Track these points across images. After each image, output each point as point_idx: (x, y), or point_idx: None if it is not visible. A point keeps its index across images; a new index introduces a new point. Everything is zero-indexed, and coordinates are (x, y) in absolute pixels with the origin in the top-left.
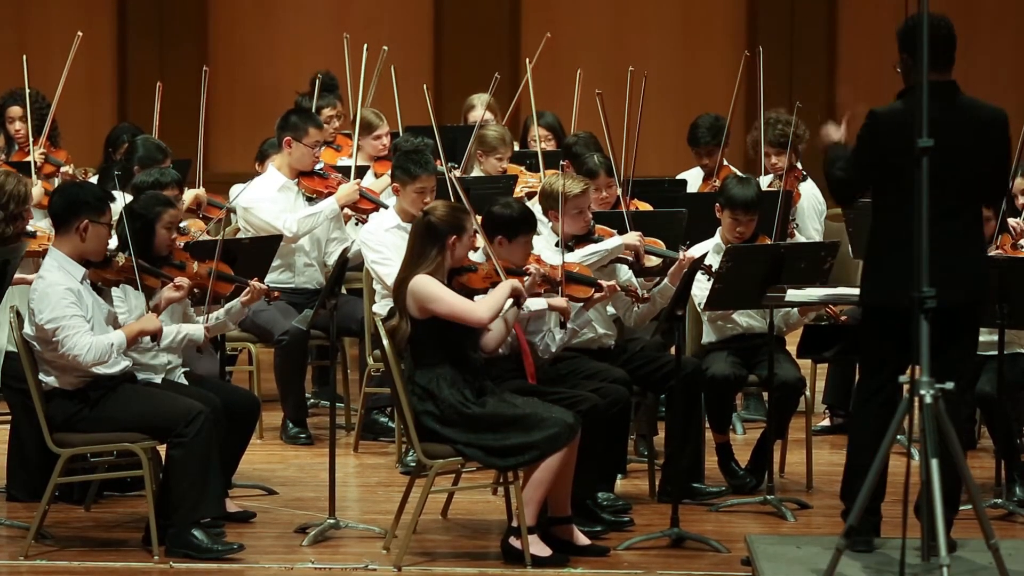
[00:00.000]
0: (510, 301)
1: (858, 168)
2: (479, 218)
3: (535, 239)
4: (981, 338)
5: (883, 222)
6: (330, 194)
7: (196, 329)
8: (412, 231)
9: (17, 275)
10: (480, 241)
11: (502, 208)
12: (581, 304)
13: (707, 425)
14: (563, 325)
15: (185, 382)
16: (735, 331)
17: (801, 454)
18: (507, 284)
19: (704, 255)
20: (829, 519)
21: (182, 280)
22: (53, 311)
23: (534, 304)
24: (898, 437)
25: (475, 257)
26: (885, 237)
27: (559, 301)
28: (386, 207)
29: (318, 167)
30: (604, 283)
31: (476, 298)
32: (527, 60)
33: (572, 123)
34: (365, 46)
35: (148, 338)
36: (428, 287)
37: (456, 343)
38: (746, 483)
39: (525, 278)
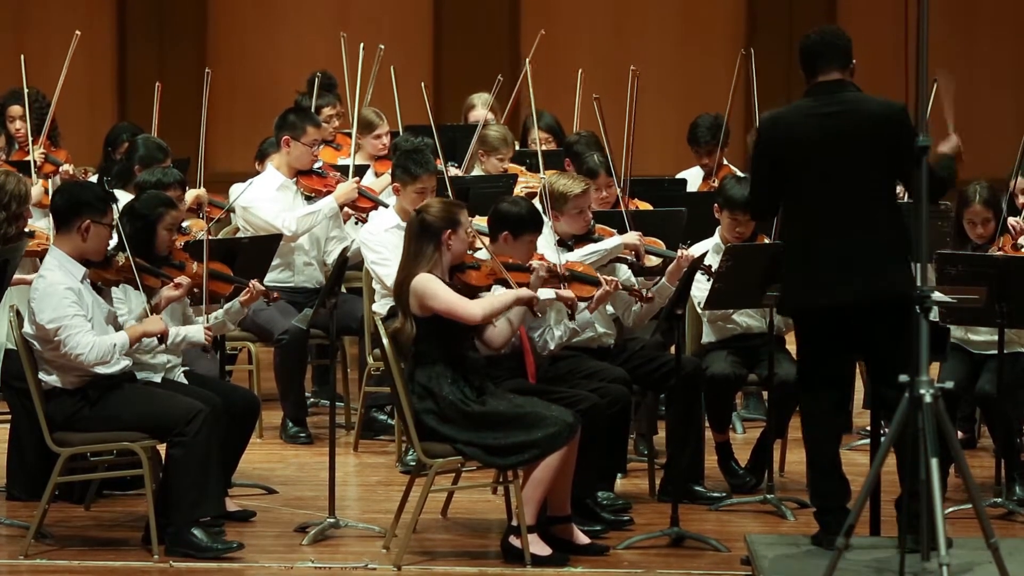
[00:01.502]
0: (520, 309)
1: (753, 183)
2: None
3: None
4: (980, 338)
5: (788, 225)
6: (328, 193)
7: (196, 330)
8: (407, 231)
9: (17, 275)
10: (480, 241)
11: (510, 205)
12: (586, 304)
13: (707, 424)
14: (571, 317)
15: (185, 381)
16: (735, 331)
17: (801, 453)
18: (515, 292)
19: (703, 255)
20: None
21: (182, 278)
22: (55, 311)
23: (542, 294)
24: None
25: (480, 255)
26: (792, 240)
27: (566, 292)
28: (386, 206)
29: (316, 166)
30: (606, 278)
31: (482, 294)
32: (525, 60)
33: (575, 123)
34: (362, 45)
35: (156, 339)
36: (428, 284)
37: (457, 342)
38: (746, 482)
39: (531, 274)
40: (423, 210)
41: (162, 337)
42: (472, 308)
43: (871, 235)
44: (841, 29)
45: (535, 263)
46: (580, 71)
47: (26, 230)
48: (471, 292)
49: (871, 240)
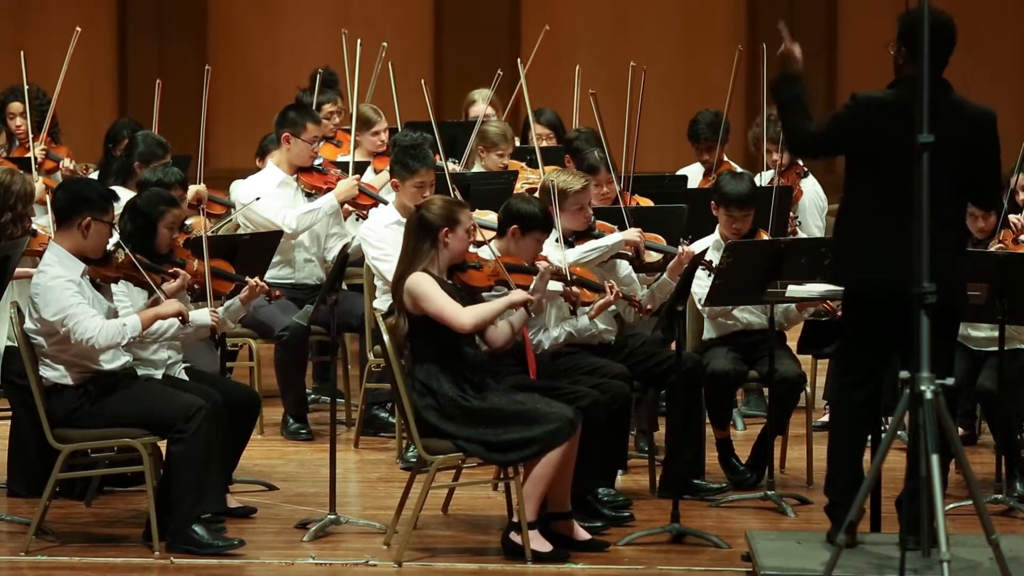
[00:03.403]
0: (520, 313)
1: (827, 144)
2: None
3: None
4: (981, 334)
5: (856, 210)
6: (329, 190)
7: (203, 315)
8: (406, 226)
9: (20, 269)
10: (482, 236)
11: (523, 202)
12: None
13: (707, 421)
14: (573, 313)
15: (186, 378)
16: (735, 327)
17: (801, 450)
18: (508, 297)
19: (704, 251)
20: None
21: (178, 269)
22: (58, 303)
23: (551, 286)
24: (898, 432)
25: (482, 255)
26: (857, 225)
27: (570, 288)
28: (385, 203)
29: (317, 162)
30: (609, 286)
31: (484, 295)
32: (519, 60)
33: (574, 119)
34: (359, 41)
35: (178, 321)
36: (421, 285)
37: (453, 339)
38: (746, 479)
39: (533, 276)
40: (423, 206)
41: (183, 320)
42: (462, 317)
43: (946, 237)
44: (950, 18)
45: (540, 264)
46: (578, 67)
47: (31, 228)
48: (471, 292)
49: (945, 241)
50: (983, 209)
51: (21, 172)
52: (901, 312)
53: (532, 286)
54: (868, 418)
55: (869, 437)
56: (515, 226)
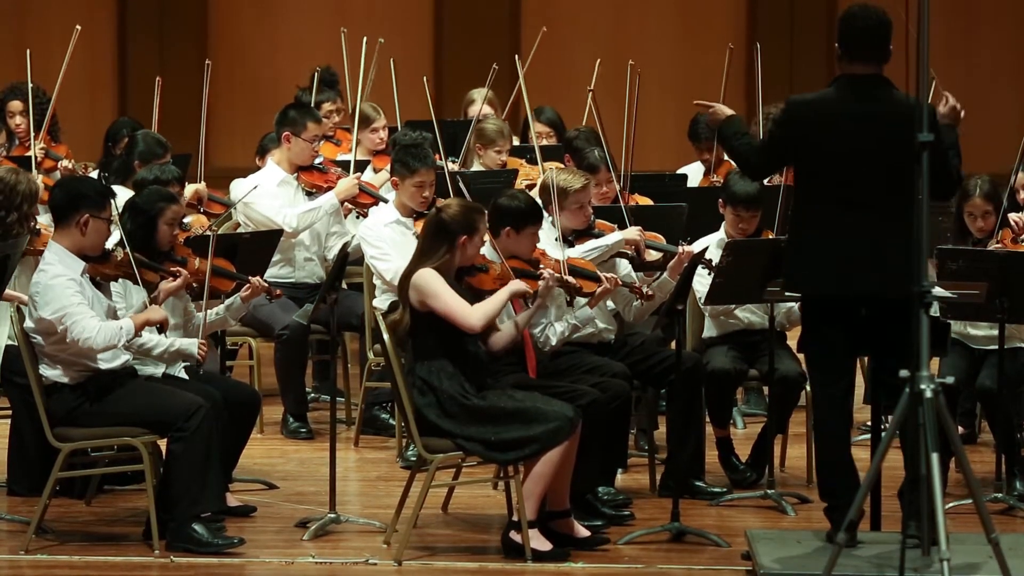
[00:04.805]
0: (525, 313)
1: (766, 155)
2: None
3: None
4: (981, 333)
5: (802, 211)
6: (329, 188)
7: (190, 344)
8: (423, 227)
9: (9, 291)
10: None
11: (508, 200)
12: (586, 300)
13: (707, 419)
14: (570, 304)
15: (186, 376)
16: (736, 326)
17: (802, 448)
18: (508, 288)
19: (704, 250)
20: None
21: (179, 269)
22: (58, 301)
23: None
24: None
25: (486, 254)
26: (804, 226)
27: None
28: (385, 201)
29: (317, 161)
30: (607, 276)
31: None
32: (516, 57)
33: (584, 116)
34: (364, 39)
35: (156, 329)
36: (430, 282)
37: (456, 337)
38: (746, 477)
39: (539, 282)
40: (443, 209)
41: (162, 328)
42: (472, 317)
43: (892, 233)
44: (886, 15)
45: (545, 272)
46: (599, 61)
47: (35, 227)
48: (478, 295)
49: (892, 238)
50: (939, 199)
51: (26, 172)
52: (855, 310)
53: (539, 291)
54: (848, 413)
55: (869, 436)
56: (508, 227)
